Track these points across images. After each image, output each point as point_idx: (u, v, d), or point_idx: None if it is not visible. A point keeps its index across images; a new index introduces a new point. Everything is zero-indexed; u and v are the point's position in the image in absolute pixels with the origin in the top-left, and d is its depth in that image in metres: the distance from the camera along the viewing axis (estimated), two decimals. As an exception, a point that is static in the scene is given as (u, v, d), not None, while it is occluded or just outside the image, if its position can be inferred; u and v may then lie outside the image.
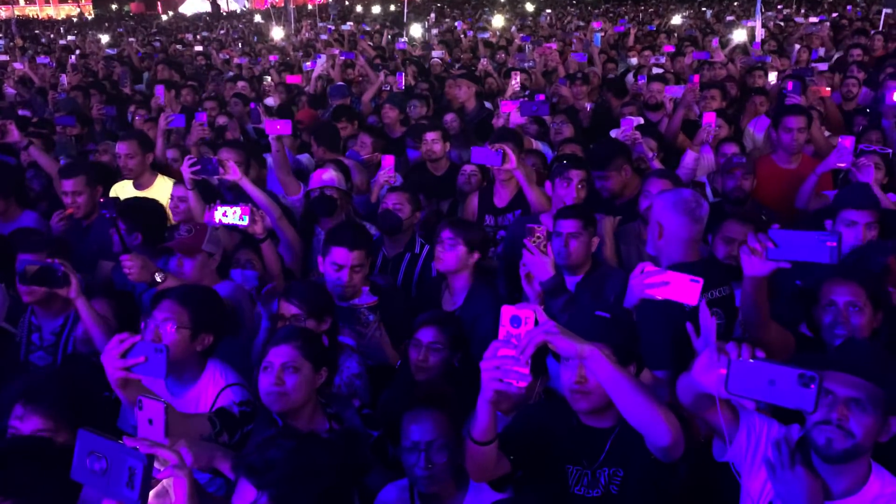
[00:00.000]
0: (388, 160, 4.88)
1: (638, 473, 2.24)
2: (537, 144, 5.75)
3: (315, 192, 4.38)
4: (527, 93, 7.16)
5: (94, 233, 4.42)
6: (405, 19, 18.75)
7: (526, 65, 9.68)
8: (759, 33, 11.45)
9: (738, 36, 11.67)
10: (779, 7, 22.41)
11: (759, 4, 11.55)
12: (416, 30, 17.39)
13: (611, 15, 22.53)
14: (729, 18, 17.42)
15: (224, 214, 3.59)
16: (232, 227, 3.72)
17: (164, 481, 1.52)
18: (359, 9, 34.11)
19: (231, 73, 10.63)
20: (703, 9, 23.02)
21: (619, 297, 2.94)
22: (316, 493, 1.71)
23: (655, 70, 8.45)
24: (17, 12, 35.65)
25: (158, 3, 53.14)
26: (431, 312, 3.20)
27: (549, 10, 24.24)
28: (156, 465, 1.51)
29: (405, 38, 15.25)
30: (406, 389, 2.79)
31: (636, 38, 12.89)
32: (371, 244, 3.56)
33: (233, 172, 4.13)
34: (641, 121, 5.63)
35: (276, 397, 2.43)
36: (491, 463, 2.14)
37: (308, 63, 10.56)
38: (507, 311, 1.92)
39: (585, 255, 3.48)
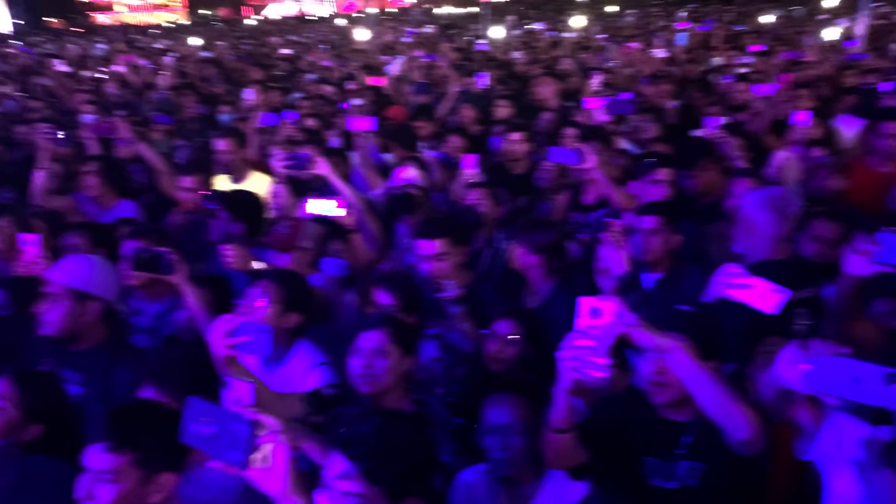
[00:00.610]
0: (470, 159, 4.96)
1: (718, 467, 2.24)
2: (624, 143, 5.73)
3: (396, 190, 4.51)
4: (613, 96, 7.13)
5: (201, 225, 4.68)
6: (484, 21, 18.80)
7: (609, 64, 9.61)
8: (862, 30, 10.98)
9: (830, 34, 11.25)
10: (874, 5, 21.41)
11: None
12: (496, 31, 17.42)
13: (696, 14, 22.02)
14: (822, 17, 16.79)
15: (318, 206, 3.74)
16: (323, 219, 3.88)
17: (266, 447, 1.62)
18: (438, 11, 34.41)
19: (312, 76, 10.91)
20: (794, 7, 22.23)
21: (698, 295, 2.93)
22: (401, 467, 1.80)
23: (741, 69, 8.26)
24: (118, 19, 37.61)
25: (243, 8, 54.85)
26: (509, 305, 3.25)
27: (632, 11, 23.89)
28: (258, 431, 1.61)
29: (485, 40, 15.33)
30: (482, 378, 2.86)
31: (722, 37, 12.59)
32: (461, 233, 3.64)
33: (321, 167, 4.29)
34: (725, 120, 5.54)
35: (365, 380, 2.54)
36: (568, 451, 2.18)
37: (390, 65, 10.77)
38: (586, 302, 1.96)
39: (665, 252, 3.46)
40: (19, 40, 26.79)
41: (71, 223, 4.24)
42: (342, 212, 3.75)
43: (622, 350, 2.37)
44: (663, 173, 3.95)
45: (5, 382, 2.44)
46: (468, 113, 6.78)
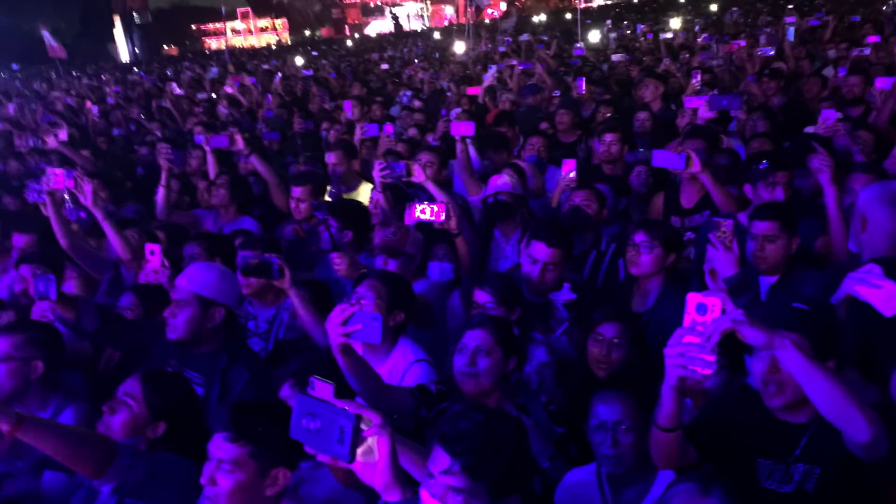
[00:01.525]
0: (569, 164, 4.93)
1: (836, 471, 2.14)
2: (730, 142, 5.55)
3: (490, 198, 4.54)
4: (714, 91, 6.92)
5: (311, 234, 4.87)
6: (579, 27, 18.64)
7: (713, 63, 9.33)
8: None
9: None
10: None
11: None
12: (594, 35, 17.24)
13: (805, 9, 21.03)
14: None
15: (422, 212, 3.83)
16: (426, 225, 3.96)
17: (370, 440, 1.67)
18: (534, 20, 34.37)
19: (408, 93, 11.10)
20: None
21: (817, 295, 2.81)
22: (503, 464, 1.82)
23: (855, 62, 7.83)
24: (227, 44, 39.61)
25: (346, 27, 56.62)
26: (614, 308, 3.21)
27: (735, 9, 23.05)
28: (362, 425, 1.67)
29: (581, 44, 15.20)
30: (586, 381, 2.85)
31: (834, 30, 11.98)
32: (571, 248, 3.63)
33: (418, 175, 4.38)
34: (840, 115, 5.27)
35: (468, 377, 2.58)
36: (676, 451, 2.13)
37: (485, 74, 10.85)
38: (693, 299, 1.92)
39: (782, 258, 3.30)
40: (138, 68, 28.64)
41: (191, 234, 4.50)
42: (442, 217, 3.81)
43: (734, 349, 2.30)
44: (781, 176, 3.76)
45: (134, 382, 2.61)
46: (565, 118, 6.75)
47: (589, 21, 20.22)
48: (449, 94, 10.02)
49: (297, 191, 4.89)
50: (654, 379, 2.08)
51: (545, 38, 18.52)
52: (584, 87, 8.25)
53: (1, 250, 4.73)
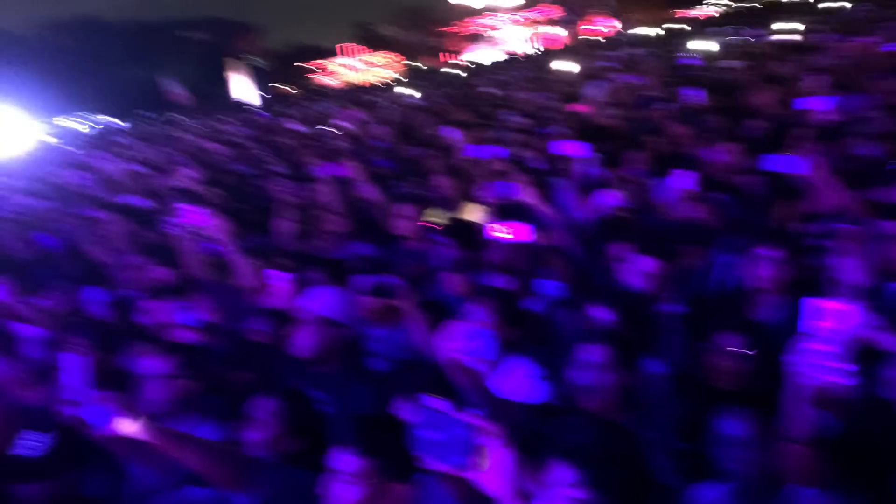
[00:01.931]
0: (684, 175, 4.82)
1: None
2: (857, 144, 5.25)
3: (601, 214, 4.51)
4: (837, 91, 6.57)
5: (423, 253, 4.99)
6: (690, 36, 18.16)
7: (833, 63, 8.87)
8: None
9: None
10: None
11: None
12: (705, 44, 16.77)
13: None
14: None
15: (500, 232, 3.87)
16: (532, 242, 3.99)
17: (491, 451, 1.70)
18: (641, 32, 33.82)
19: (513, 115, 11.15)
20: None
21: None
22: (622, 478, 1.80)
23: None
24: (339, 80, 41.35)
25: (456, 56, 57.52)
26: (734, 318, 3.11)
27: (862, 6, 21.78)
28: (482, 437, 1.70)
29: (690, 54, 14.81)
30: (705, 396, 2.76)
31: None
32: (678, 249, 3.58)
33: (527, 195, 4.42)
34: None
35: (586, 392, 2.57)
36: (810, 465, 2.04)
37: (592, 90, 10.76)
38: (818, 305, 1.84)
39: None
40: (255, 110, 30.25)
41: (311, 259, 4.71)
42: (526, 236, 3.85)
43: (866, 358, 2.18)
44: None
45: (268, 400, 2.76)
46: (679, 130, 6.59)
47: (693, 29, 19.70)
48: (553, 112, 10.00)
49: (407, 210, 5.03)
50: (779, 390, 2.01)
51: (651, 50, 18.20)
52: (698, 97, 8.04)
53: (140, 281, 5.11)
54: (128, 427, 2.10)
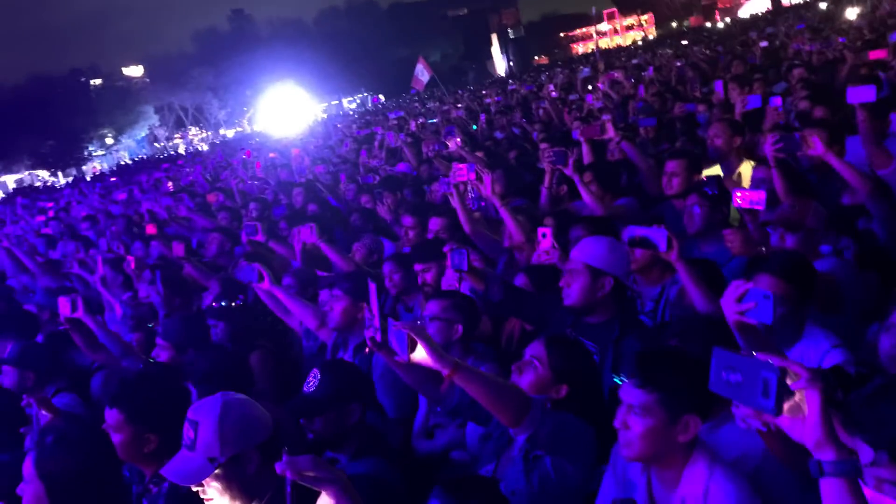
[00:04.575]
0: None
1: None
2: None
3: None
4: None
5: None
6: None
7: None
8: None
9: None
10: None
11: None
12: None
13: None
14: None
15: (742, 198, 3.53)
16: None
17: (797, 395, 1.57)
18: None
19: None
20: None
21: None
22: None
23: None
24: (595, 45, 40.80)
25: (716, 13, 54.00)
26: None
27: None
28: (787, 379, 1.58)
29: None
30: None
31: None
32: None
33: (817, 148, 3.99)
34: None
35: None
36: None
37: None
38: None
39: None
40: (513, 80, 30.84)
41: (577, 218, 4.71)
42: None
43: None
44: None
45: (540, 346, 2.83)
46: None
47: None
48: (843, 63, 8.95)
49: (672, 165, 4.83)
50: None
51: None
52: None
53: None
54: (419, 353, 2.26)
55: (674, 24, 56.09)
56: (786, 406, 1.56)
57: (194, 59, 66.20)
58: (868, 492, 1.61)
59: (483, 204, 5.22)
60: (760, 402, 1.58)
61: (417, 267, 4.39)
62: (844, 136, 4.94)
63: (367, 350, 3.67)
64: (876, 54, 8.25)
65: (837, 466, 1.54)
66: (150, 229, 7.78)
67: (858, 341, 2.90)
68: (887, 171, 4.40)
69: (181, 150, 47.76)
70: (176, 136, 66.16)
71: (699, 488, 2.13)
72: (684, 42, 26.92)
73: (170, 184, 14.28)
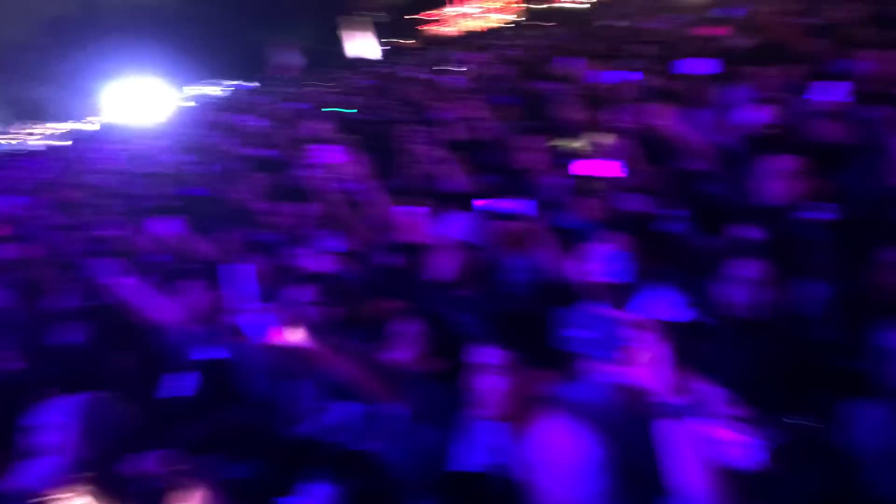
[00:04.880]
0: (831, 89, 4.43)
1: None
2: None
3: (746, 131, 4.24)
4: None
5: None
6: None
7: None
8: None
9: None
10: None
11: None
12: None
13: None
14: None
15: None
16: None
17: (645, 346, 1.68)
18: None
19: None
20: None
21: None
22: (783, 394, 1.72)
23: None
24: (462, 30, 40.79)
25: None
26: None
27: None
28: (638, 331, 1.68)
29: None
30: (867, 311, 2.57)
31: None
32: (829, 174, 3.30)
33: (660, 118, 4.24)
34: None
35: (745, 309, 2.45)
36: None
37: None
38: None
39: None
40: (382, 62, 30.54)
41: (443, 195, 4.75)
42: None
43: None
44: None
45: (414, 323, 2.87)
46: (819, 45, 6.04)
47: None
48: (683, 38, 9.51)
49: (534, 142, 4.98)
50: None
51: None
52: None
53: None
54: (291, 336, 2.24)
55: (541, 7, 57.31)
56: (635, 357, 1.67)
57: (43, 49, 61.17)
58: (714, 429, 1.74)
59: (356, 186, 5.19)
60: (611, 356, 1.68)
61: (291, 252, 4.33)
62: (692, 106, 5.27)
63: (237, 338, 3.58)
64: (712, 31, 8.80)
65: (685, 409, 1.66)
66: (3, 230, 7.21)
67: (703, 294, 3.11)
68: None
69: (30, 145, 44.17)
70: (22, 130, 61.21)
71: (556, 441, 2.23)
72: (551, 23, 27.53)
73: (26, 181, 13.23)
